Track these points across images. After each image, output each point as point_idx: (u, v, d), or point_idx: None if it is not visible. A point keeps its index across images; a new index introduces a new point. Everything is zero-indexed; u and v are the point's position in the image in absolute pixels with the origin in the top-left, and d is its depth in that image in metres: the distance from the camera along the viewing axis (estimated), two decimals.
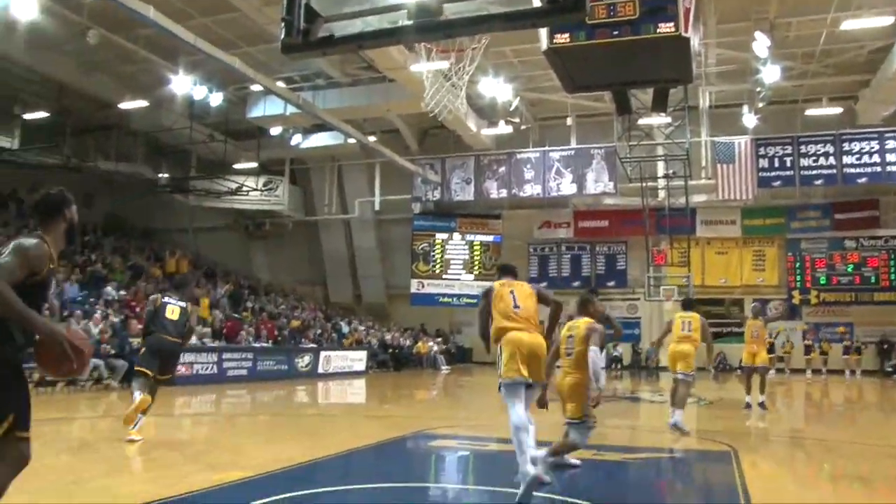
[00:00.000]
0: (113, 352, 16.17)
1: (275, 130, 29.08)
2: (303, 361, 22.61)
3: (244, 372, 19.85)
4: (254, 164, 29.64)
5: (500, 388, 6.06)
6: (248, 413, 13.57)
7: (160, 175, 29.03)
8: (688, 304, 11.82)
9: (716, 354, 24.83)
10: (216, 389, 16.93)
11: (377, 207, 31.48)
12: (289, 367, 21.71)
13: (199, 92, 23.03)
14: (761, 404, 13.68)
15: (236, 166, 29.70)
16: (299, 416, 13.19)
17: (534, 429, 6.15)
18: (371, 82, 25.65)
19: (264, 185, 31.36)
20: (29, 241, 3.84)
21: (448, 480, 7.53)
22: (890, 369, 27.40)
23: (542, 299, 6.40)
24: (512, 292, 6.27)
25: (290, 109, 25.01)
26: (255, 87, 24.17)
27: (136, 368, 8.88)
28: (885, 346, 28.24)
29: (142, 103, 24.57)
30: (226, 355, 19.51)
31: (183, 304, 8.95)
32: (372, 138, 27.89)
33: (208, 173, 28.44)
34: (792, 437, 10.37)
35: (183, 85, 22.48)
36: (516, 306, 6.17)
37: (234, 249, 35.10)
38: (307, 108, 23.17)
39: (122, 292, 20.59)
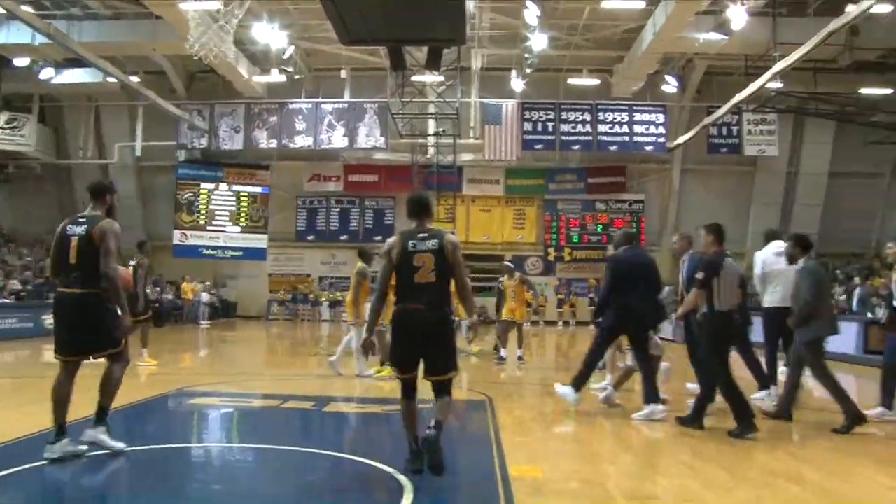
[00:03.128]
0: None
1: (21, 61, 26.10)
2: (50, 319, 20.81)
3: None
4: None
5: None
6: None
7: None
8: None
9: (479, 308, 26.02)
10: None
11: (138, 153, 29.48)
12: (34, 325, 19.68)
13: None
14: (520, 357, 14.51)
15: None
16: (46, 378, 12.18)
17: None
18: (136, 17, 23.91)
19: (7, 122, 28.46)
20: (114, 224, 5.45)
21: (209, 439, 7.34)
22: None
23: None
24: None
25: (40, 39, 22.56)
26: None
27: None
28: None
29: None
30: None
31: None
32: (135, 79, 26.06)
33: None
34: (543, 385, 11.11)
35: None
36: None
37: None
38: (60, 39, 21.07)
39: None
